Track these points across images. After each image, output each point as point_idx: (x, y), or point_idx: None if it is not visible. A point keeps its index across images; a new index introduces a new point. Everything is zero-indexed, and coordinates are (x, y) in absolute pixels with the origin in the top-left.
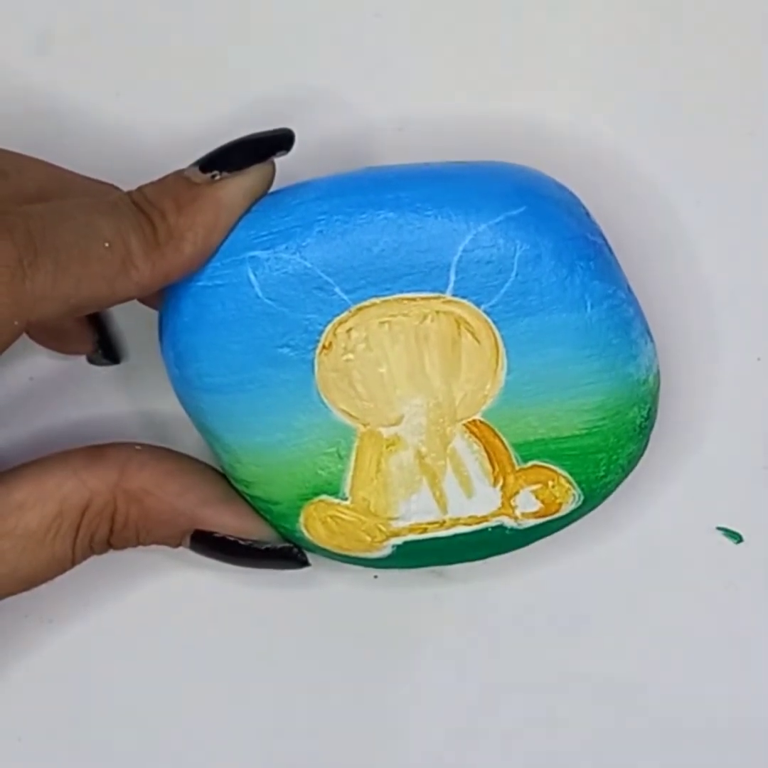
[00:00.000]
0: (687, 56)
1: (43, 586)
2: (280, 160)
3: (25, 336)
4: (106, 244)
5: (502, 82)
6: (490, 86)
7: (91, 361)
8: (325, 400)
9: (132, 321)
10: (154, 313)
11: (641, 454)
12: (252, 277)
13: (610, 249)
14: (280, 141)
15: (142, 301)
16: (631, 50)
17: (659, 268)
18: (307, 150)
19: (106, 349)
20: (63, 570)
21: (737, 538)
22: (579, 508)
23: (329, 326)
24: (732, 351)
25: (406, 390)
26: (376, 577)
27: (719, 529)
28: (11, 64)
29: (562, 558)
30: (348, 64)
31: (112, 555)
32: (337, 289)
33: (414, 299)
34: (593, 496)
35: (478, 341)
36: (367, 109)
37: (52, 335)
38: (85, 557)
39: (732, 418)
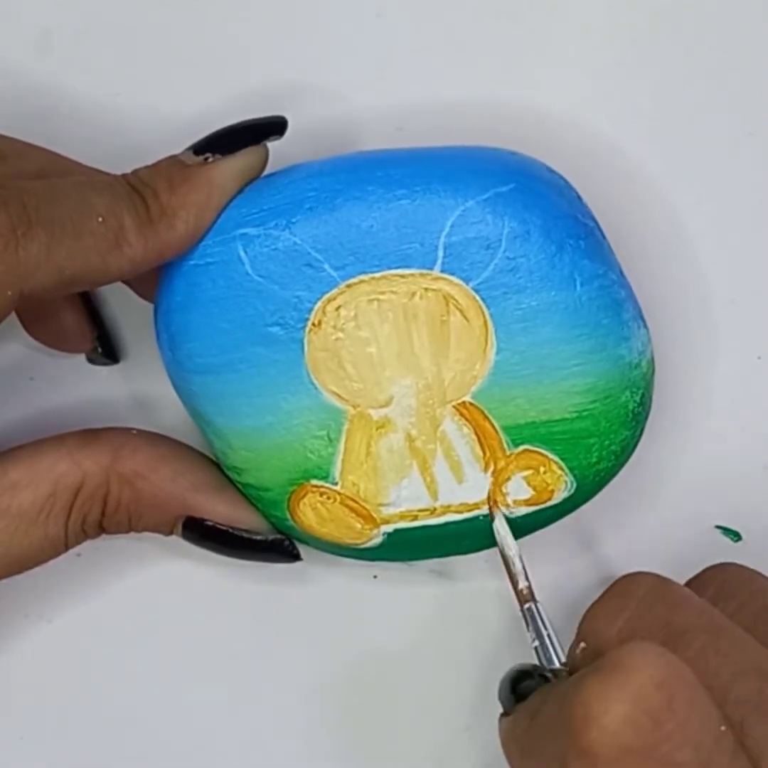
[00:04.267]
0: (687, 56)
1: (43, 585)
2: (278, 161)
3: (25, 335)
4: (100, 219)
5: (502, 83)
6: (491, 86)
7: (90, 360)
8: (315, 382)
9: (131, 320)
10: (152, 311)
11: (635, 442)
12: (242, 254)
13: (602, 233)
14: (273, 126)
15: (140, 293)
16: (631, 50)
17: (659, 267)
18: (307, 149)
19: (106, 348)
20: (56, 552)
21: (736, 536)
22: (571, 496)
23: (319, 303)
24: (732, 350)
25: (395, 370)
26: (375, 576)
27: (718, 527)
28: (11, 63)
29: (562, 557)
30: (348, 64)
31: (110, 555)
32: (326, 266)
33: (403, 276)
34: (586, 483)
35: (467, 319)
36: (367, 108)
37: (52, 333)
38: (77, 540)
39: (732, 417)
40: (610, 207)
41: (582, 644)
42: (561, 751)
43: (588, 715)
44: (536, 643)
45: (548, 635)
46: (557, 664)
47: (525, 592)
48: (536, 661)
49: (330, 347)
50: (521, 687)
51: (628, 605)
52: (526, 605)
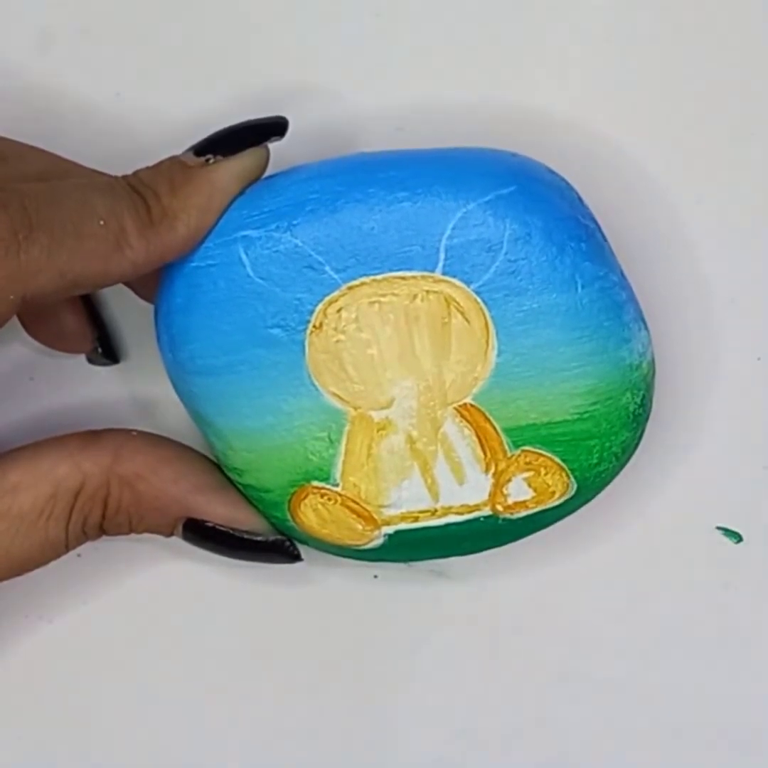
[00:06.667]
0: (687, 56)
1: (43, 585)
2: (278, 162)
3: (26, 335)
4: (101, 222)
5: (502, 83)
6: (491, 86)
7: (90, 360)
8: (316, 383)
9: (131, 321)
10: (152, 312)
11: (636, 444)
12: (243, 256)
13: (603, 235)
14: (274, 127)
15: (140, 294)
16: (631, 49)
17: (659, 267)
18: (306, 149)
19: (106, 348)
20: (56, 554)
21: (737, 537)
22: (572, 498)
23: (320, 306)
24: (732, 351)
25: (396, 372)
26: (376, 576)
27: (719, 528)
28: (11, 63)
29: (562, 558)
30: (348, 64)
31: (110, 555)
32: (327, 268)
33: (404, 278)
34: (587, 485)
35: (468, 321)
36: (367, 108)
37: (52, 333)
38: (78, 542)
39: (732, 417)
40: (610, 208)
41: None
42: None
43: None
44: None
45: None
46: None
47: None
48: None
49: (331, 349)
50: None
51: None
52: None
